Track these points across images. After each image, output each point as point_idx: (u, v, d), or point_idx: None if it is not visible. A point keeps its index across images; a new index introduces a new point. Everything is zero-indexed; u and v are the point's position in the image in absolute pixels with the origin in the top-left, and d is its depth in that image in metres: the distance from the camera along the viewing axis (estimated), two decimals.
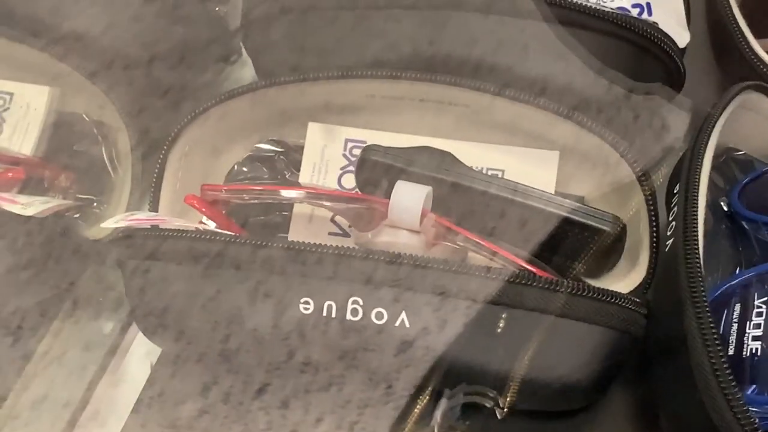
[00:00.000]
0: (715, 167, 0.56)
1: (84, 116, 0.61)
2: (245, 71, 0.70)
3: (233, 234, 0.47)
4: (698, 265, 0.44)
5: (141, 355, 0.55)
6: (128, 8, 0.60)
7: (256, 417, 0.50)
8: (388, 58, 0.57)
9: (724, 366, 0.41)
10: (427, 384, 0.47)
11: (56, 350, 0.55)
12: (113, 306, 0.57)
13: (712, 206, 0.55)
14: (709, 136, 0.51)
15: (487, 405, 0.49)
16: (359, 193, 0.55)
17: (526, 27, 0.56)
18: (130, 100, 0.60)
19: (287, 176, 0.59)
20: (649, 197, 0.52)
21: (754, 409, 0.44)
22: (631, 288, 0.53)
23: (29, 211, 0.50)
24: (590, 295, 0.46)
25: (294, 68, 0.59)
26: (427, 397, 0.47)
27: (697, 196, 0.47)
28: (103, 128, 0.61)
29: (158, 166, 0.57)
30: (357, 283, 0.45)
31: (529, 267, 0.48)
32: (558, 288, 0.45)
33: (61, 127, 0.61)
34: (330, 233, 0.57)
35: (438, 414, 0.48)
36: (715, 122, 0.51)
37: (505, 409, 0.48)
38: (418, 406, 0.48)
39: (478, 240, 0.49)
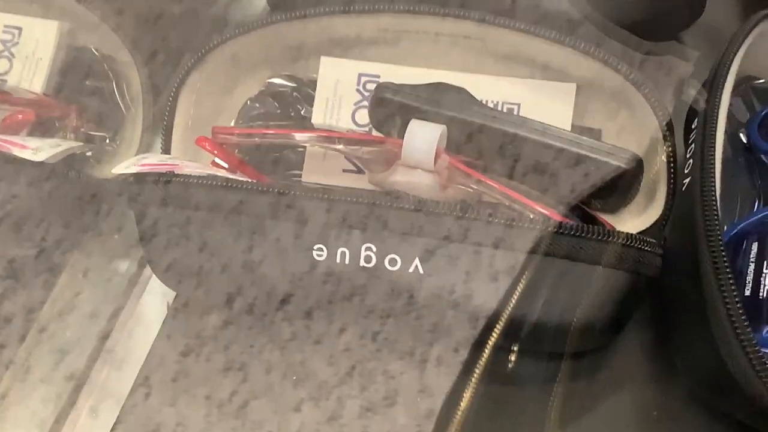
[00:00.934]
0: (734, 96, 0.55)
1: (94, 51, 0.60)
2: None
3: (245, 180, 0.47)
4: (714, 207, 0.44)
5: (158, 293, 0.56)
6: None
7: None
8: None
9: (739, 310, 0.41)
10: (445, 327, 0.47)
11: (70, 291, 0.55)
12: (128, 244, 0.56)
13: (731, 138, 0.54)
14: (729, 69, 0.50)
15: None
16: (372, 130, 0.55)
17: None
18: (139, 33, 0.59)
19: (301, 112, 0.58)
20: (667, 132, 0.51)
21: None
22: (649, 224, 0.52)
23: (39, 156, 0.50)
24: (605, 238, 0.45)
25: None
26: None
27: (715, 134, 0.47)
28: (114, 63, 0.60)
29: (169, 103, 0.56)
30: (370, 230, 0.45)
31: (543, 210, 0.47)
32: (573, 232, 0.45)
33: (71, 62, 0.61)
34: (344, 170, 0.57)
35: None
36: (734, 55, 0.50)
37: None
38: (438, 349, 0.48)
39: (490, 182, 0.49)
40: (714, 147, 0.46)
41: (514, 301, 0.45)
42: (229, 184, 0.47)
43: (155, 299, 0.56)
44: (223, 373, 0.52)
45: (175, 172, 0.48)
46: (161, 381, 0.53)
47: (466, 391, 0.47)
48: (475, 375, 0.47)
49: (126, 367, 0.54)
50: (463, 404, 0.47)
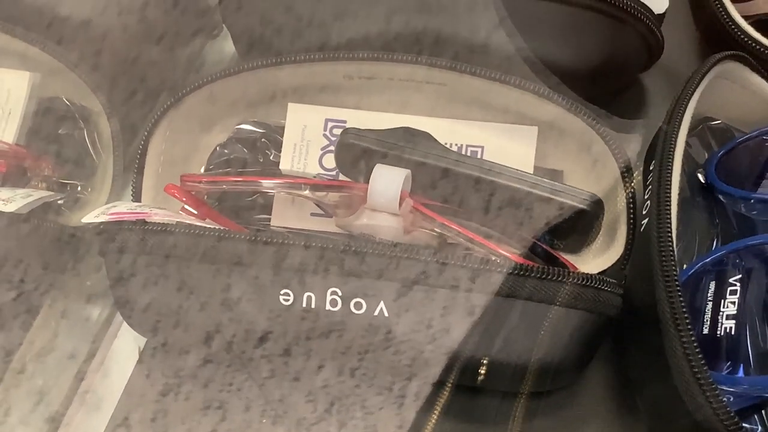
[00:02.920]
0: (692, 137, 0.56)
1: (65, 101, 0.61)
2: (226, 44, 0.70)
3: (213, 227, 0.48)
4: (671, 249, 0.44)
5: (129, 339, 0.56)
6: None
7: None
8: (365, 31, 0.57)
9: (696, 350, 0.42)
10: (408, 368, 0.48)
11: (43, 338, 0.56)
12: (100, 291, 0.57)
13: (689, 178, 0.55)
14: (684, 111, 0.51)
15: None
16: (339, 175, 0.56)
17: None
18: (110, 82, 0.60)
19: (270, 157, 0.59)
20: (626, 173, 0.53)
21: (727, 388, 0.45)
22: (610, 264, 0.53)
23: (10, 207, 0.51)
24: (566, 279, 0.46)
25: (270, 43, 0.59)
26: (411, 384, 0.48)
27: (671, 175, 0.48)
28: (85, 112, 0.61)
29: (140, 150, 0.57)
30: (335, 274, 0.46)
31: (504, 252, 0.48)
32: (534, 274, 0.46)
33: (42, 112, 0.61)
34: (312, 214, 0.58)
35: None
36: (690, 97, 0.51)
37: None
38: (400, 389, 0.49)
39: (454, 226, 0.50)
40: (670, 188, 0.47)
41: (475, 343, 0.46)
42: (197, 232, 0.48)
43: (129, 338, 0.57)
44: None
45: (145, 220, 0.49)
46: (140, 420, 0.53)
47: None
48: (435, 415, 0.48)
49: (103, 407, 0.54)
50: None
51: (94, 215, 0.49)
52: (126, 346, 0.57)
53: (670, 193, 0.47)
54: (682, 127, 0.50)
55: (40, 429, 0.54)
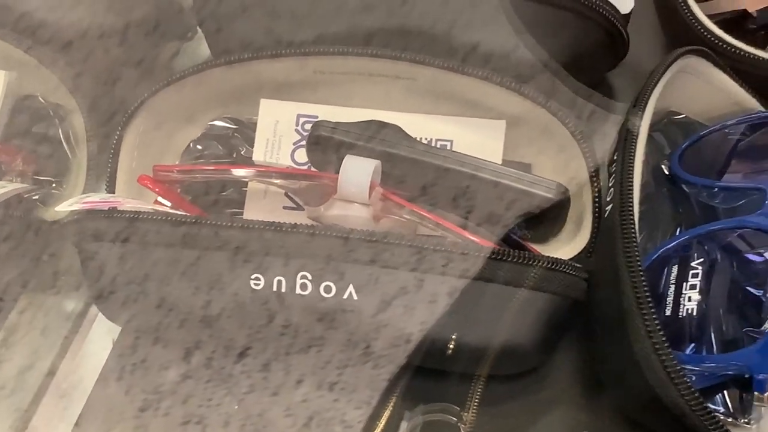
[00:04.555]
0: (657, 131, 0.57)
1: (41, 98, 0.62)
2: (201, 47, 0.70)
3: (185, 214, 0.49)
4: (633, 231, 0.46)
5: (103, 332, 0.57)
6: None
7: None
8: (338, 30, 0.58)
9: (658, 328, 0.43)
10: (376, 353, 0.48)
11: (18, 333, 0.56)
12: (74, 285, 0.58)
13: (654, 170, 0.57)
14: (647, 100, 0.52)
15: (451, 420, 0.51)
16: (311, 168, 0.56)
17: None
18: (85, 81, 0.60)
19: (242, 152, 0.60)
20: (591, 164, 0.54)
21: (691, 367, 0.46)
22: (576, 252, 0.54)
23: None
24: (531, 262, 0.47)
25: (247, 44, 0.60)
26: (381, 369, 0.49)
27: (633, 162, 0.49)
28: (60, 110, 0.61)
29: (113, 145, 0.58)
30: (306, 258, 0.47)
31: (472, 237, 0.49)
32: (500, 257, 0.47)
33: (18, 110, 0.62)
34: (285, 207, 0.58)
35: None
36: (653, 88, 0.53)
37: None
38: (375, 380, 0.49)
39: (422, 212, 0.51)
40: (632, 173, 0.48)
41: (444, 326, 0.47)
42: (169, 218, 0.48)
43: (101, 338, 0.57)
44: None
45: (117, 208, 0.49)
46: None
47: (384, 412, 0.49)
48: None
49: (72, 407, 0.55)
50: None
51: (67, 204, 0.49)
52: (97, 345, 0.57)
53: (632, 177, 0.48)
54: (645, 115, 0.51)
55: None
